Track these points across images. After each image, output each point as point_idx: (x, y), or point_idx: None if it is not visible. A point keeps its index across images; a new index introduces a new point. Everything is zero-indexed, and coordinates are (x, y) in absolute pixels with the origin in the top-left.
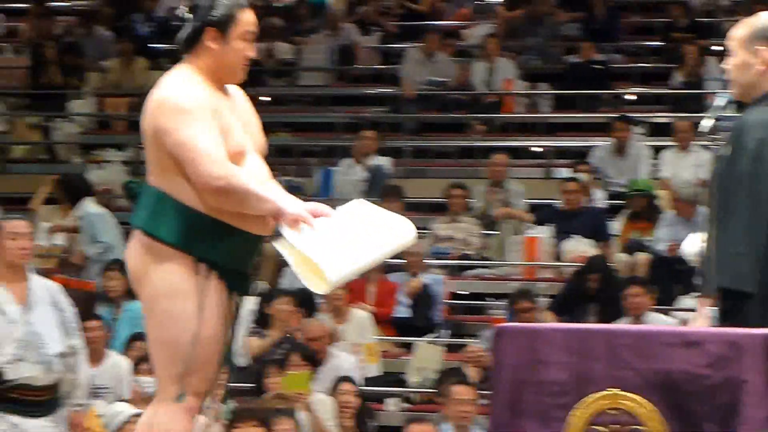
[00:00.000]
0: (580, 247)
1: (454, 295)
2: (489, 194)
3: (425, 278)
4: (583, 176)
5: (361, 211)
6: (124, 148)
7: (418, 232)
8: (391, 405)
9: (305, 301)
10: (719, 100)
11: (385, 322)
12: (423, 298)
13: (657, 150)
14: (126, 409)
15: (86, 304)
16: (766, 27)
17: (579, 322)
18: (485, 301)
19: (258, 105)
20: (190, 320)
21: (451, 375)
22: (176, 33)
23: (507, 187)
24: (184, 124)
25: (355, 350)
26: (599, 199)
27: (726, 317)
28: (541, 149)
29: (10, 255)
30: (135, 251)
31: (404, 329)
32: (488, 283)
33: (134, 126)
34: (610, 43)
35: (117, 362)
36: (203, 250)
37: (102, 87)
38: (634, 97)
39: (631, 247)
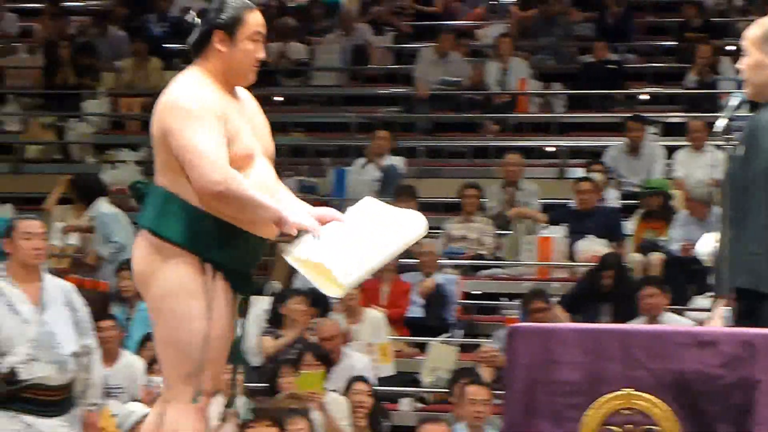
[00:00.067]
0: (594, 247)
1: (468, 295)
2: (502, 194)
3: (439, 278)
4: (596, 176)
5: (371, 210)
6: (137, 149)
7: (432, 232)
8: (405, 405)
9: (318, 301)
10: (733, 100)
11: (398, 322)
12: (436, 298)
13: (670, 150)
14: (139, 409)
15: (100, 304)
16: None
17: (591, 321)
18: (499, 301)
19: (271, 105)
20: (198, 319)
21: (464, 375)
22: (189, 34)
23: (521, 187)
24: (187, 127)
25: (368, 350)
26: (613, 198)
27: (741, 317)
28: (554, 149)
29: (24, 255)
30: (142, 251)
31: (418, 329)
32: (502, 283)
33: (148, 126)
34: (623, 43)
35: (131, 362)
36: (208, 251)
37: (116, 87)
38: (648, 97)
39: (645, 247)
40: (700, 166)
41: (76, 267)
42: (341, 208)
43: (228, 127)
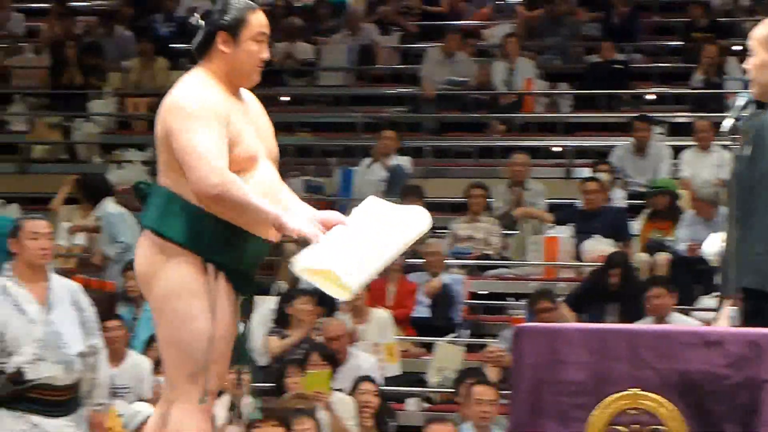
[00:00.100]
0: (600, 247)
1: (474, 295)
2: (509, 194)
3: (445, 278)
4: (603, 176)
5: (375, 210)
6: (144, 148)
7: (438, 232)
8: (411, 405)
9: (325, 300)
10: (739, 100)
11: (405, 322)
12: (443, 298)
13: (677, 150)
14: (146, 409)
15: (106, 304)
16: None
17: (597, 320)
18: (505, 301)
19: (278, 105)
20: (199, 319)
21: (470, 375)
22: (195, 35)
23: (527, 187)
24: (187, 128)
25: (375, 350)
26: (619, 198)
27: (748, 317)
28: (561, 149)
29: (31, 255)
30: (144, 251)
31: (424, 329)
32: (508, 283)
33: (153, 126)
34: (630, 43)
35: (137, 362)
36: (210, 251)
37: (122, 87)
38: (654, 97)
39: (652, 247)
40: (707, 166)
41: (83, 267)
42: (347, 207)
43: (231, 129)
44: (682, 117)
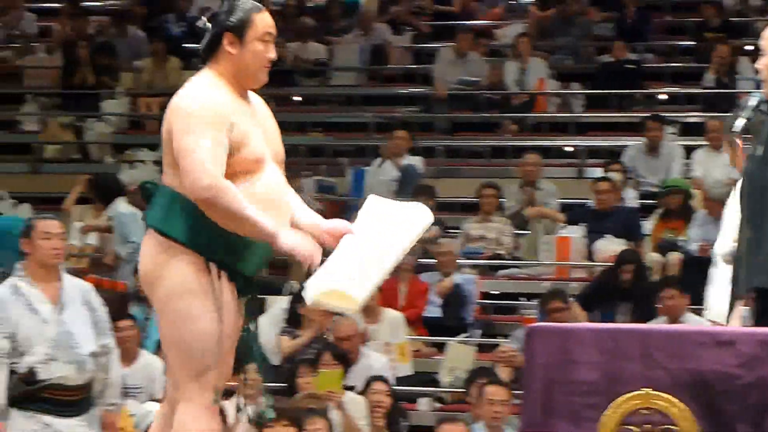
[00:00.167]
0: (612, 247)
1: (486, 295)
2: (521, 194)
3: (457, 278)
4: (615, 176)
5: (378, 210)
6: (156, 148)
7: (450, 232)
8: (423, 405)
9: None
10: (752, 100)
11: (416, 321)
12: (455, 298)
13: (689, 149)
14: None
15: (118, 304)
16: None
17: (609, 319)
18: (517, 300)
19: (290, 105)
20: (202, 319)
21: (482, 375)
22: (203, 36)
23: (539, 187)
24: (186, 129)
25: (386, 350)
26: (631, 198)
27: (759, 317)
28: (573, 149)
29: (43, 255)
30: (148, 250)
31: (436, 329)
32: (520, 283)
33: None
34: (642, 43)
35: (149, 362)
36: (213, 251)
37: (135, 87)
38: (666, 97)
39: (664, 247)
40: (719, 166)
41: (95, 267)
42: (359, 208)
43: (237, 131)
44: (694, 117)
